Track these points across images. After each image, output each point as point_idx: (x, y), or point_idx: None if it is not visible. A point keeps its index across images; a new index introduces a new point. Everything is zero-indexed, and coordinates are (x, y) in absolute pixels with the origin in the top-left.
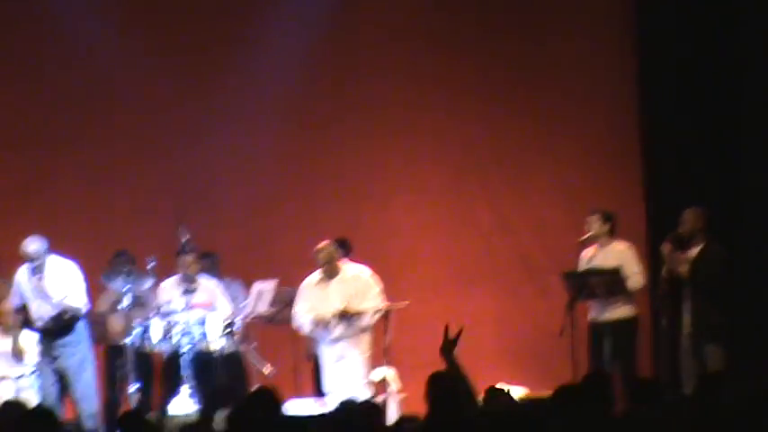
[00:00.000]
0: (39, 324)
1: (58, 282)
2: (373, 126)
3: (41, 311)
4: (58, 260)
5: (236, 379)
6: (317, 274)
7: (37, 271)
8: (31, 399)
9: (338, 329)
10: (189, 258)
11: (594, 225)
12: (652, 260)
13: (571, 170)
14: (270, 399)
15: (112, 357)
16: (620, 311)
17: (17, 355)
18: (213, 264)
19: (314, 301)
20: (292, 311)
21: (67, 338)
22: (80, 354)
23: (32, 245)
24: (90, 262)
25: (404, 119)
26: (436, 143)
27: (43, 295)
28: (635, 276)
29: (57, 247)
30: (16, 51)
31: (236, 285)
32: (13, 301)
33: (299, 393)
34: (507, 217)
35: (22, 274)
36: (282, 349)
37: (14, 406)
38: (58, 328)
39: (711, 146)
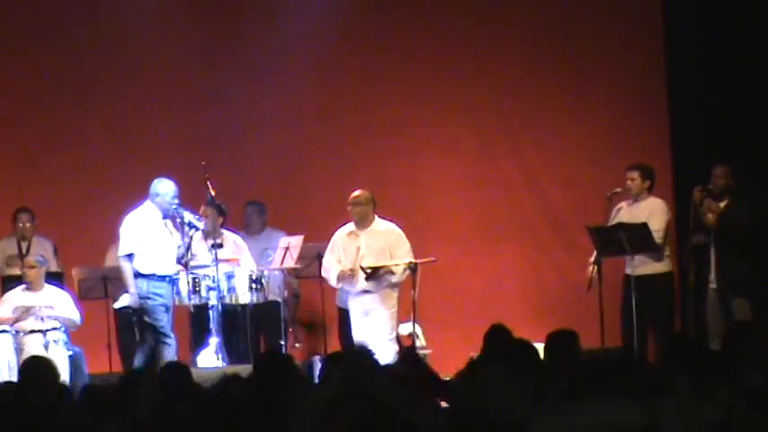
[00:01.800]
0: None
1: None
2: (402, 83)
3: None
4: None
5: (264, 332)
6: (348, 227)
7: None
8: (60, 352)
9: (365, 283)
10: (208, 210)
11: (635, 181)
12: (678, 215)
13: (598, 124)
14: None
15: (139, 311)
16: (655, 266)
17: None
18: (261, 211)
19: (343, 252)
20: (322, 264)
21: None
22: None
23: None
24: (119, 216)
25: (433, 76)
26: (464, 99)
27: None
28: (656, 234)
29: (86, 201)
30: (45, 11)
31: (279, 235)
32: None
33: (327, 349)
34: (534, 172)
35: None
36: (311, 304)
37: (40, 361)
38: None
39: (738, 101)
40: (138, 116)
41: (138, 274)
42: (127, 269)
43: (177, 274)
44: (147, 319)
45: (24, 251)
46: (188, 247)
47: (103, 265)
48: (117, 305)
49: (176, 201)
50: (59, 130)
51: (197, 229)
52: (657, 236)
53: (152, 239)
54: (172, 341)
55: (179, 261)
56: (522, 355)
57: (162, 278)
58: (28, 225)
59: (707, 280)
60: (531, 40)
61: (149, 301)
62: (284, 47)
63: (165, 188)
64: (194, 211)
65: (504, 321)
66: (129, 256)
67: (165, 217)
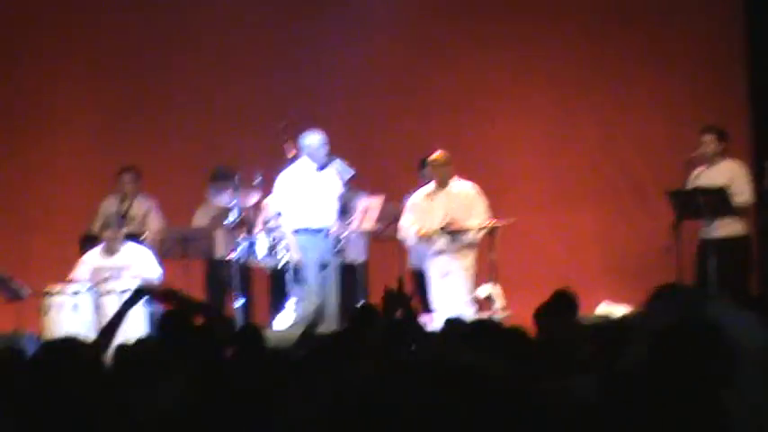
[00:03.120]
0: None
1: None
2: (480, 45)
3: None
4: None
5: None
6: (426, 188)
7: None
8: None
9: (442, 242)
10: None
11: (710, 144)
12: (756, 177)
13: (675, 85)
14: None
15: (217, 272)
16: (731, 229)
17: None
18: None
19: (421, 213)
20: (399, 223)
21: None
22: None
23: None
24: (198, 177)
25: (510, 37)
26: (541, 60)
27: None
28: (744, 195)
29: (166, 163)
30: None
31: (358, 196)
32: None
33: None
34: (611, 133)
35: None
36: (389, 265)
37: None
38: None
39: None
40: (219, 80)
41: (295, 230)
42: (282, 225)
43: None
44: (298, 272)
45: (125, 210)
46: (342, 197)
47: (191, 225)
48: (280, 264)
49: (325, 150)
50: (137, 90)
51: (349, 177)
52: (743, 198)
53: (305, 194)
54: (318, 298)
55: (341, 212)
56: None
57: (317, 232)
58: (130, 185)
59: None
60: (608, 4)
61: (302, 256)
62: (362, 9)
63: (311, 140)
64: (343, 160)
65: (582, 284)
66: (279, 215)
67: (320, 168)
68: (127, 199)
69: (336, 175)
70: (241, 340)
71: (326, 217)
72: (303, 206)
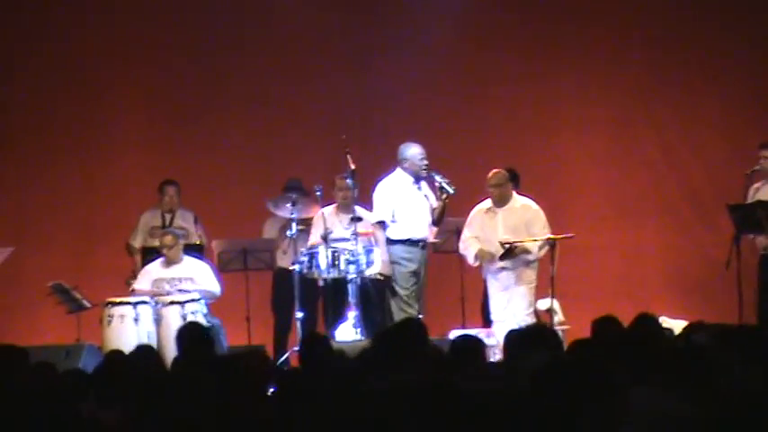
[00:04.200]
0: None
1: None
2: (542, 59)
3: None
4: None
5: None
6: (486, 203)
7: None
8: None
9: (504, 260)
10: (347, 182)
11: None
12: None
13: (736, 99)
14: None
15: (280, 283)
16: None
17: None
18: None
19: (482, 229)
20: (460, 239)
21: None
22: None
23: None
24: (260, 188)
25: (573, 52)
26: (603, 75)
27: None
28: None
29: (226, 174)
30: None
31: None
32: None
33: (465, 324)
34: (673, 148)
35: None
36: (449, 279)
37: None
38: None
39: None
40: (279, 89)
41: (390, 241)
42: (379, 236)
43: (428, 237)
44: (393, 285)
45: (168, 223)
46: (442, 211)
47: (261, 236)
48: (369, 272)
49: (425, 162)
50: (200, 101)
51: (449, 192)
52: None
53: (405, 205)
54: (412, 310)
55: (434, 224)
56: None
57: (415, 243)
58: (174, 197)
59: None
60: (669, 16)
61: (398, 267)
62: (423, 19)
63: (412, 152)
64: (444, 175)
65: (642, 298)
66: (382, 224)
67: (416, 182)
68: (170, 211)
69: (435, 191)
70: (308, 349)
71: (423, 228)
72: (402, 218)
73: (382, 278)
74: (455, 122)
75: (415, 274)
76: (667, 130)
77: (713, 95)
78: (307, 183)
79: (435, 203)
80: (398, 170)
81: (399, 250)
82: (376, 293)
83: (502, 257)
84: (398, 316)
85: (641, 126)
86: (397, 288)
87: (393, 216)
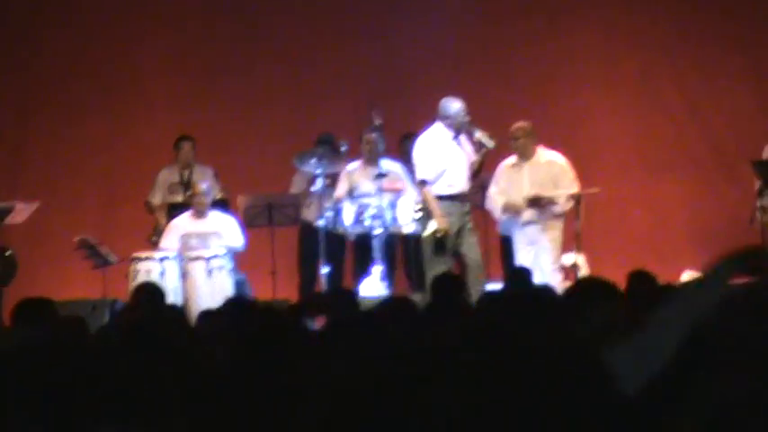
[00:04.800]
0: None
1: None
2: (565, 13)
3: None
4: None
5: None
6: (512, 158)
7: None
8: (224, 279)
9: (529, 214)
10: (374, 135)
11: None
12: None
13: (763, 52)
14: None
15: (305, 238)
16: None
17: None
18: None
19: (507, 183)
20: (486, 194)
21: None
22: None
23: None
24: (287, 143)
25: (596, 4)
26: (626, 27)
27: None
28: None
29: (255, 129)
30: None
31: None
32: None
33: (489, 277)
34: (697, 102)
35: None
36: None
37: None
38: None
39: None
40: (305, 45)
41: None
42: (426, 194)
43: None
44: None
45: (186, 179)
46: (480, 165)
47: (289, 190)
48: (425, 233)
49: (467, 118)
50: (228, 58)
51: (488, 146)
52: None
53: (445, 161)
54: (446, 266)
55: (471, 178)
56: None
57: (454, 198)
58: (190, 153)
59: None
60: None
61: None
62: None
63: (455, 107)
64: (483, 129)
65: (667, 252)
66: (425, 182)
67: (455, 137)
68: (186, 167)
69: (473, 145)
70: (334, 305)
71: (463, 183)
72: (442, 173)
73: (440, 234)
74: (479, 80)
75: (455, 229)
76: (691, 85)
77: (738, 50)
78: (335, 137)
79: (474, 157)
80: (437, 125)
81: (440, 206)
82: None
83: (529, 206)
84: (435, 271)
85: (665, 80)
86: (442, 243)
87: (435, 172)
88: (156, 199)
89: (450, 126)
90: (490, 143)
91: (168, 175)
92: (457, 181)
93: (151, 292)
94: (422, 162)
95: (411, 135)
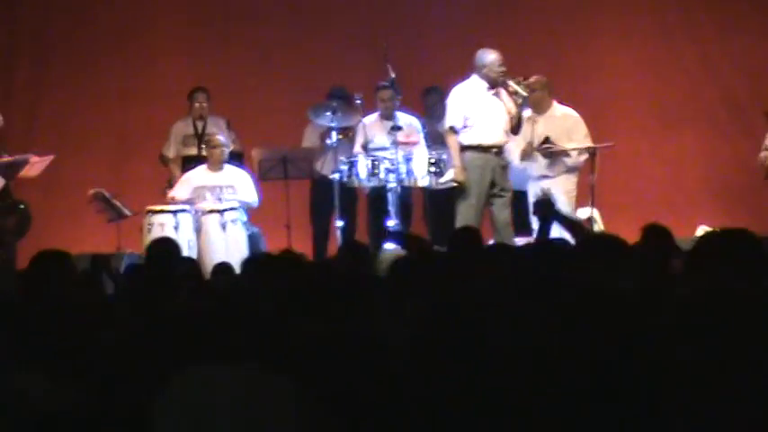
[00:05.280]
0: None
1: None
2: None
3: None
4: None
5: (443, 215)
6: (527, 111)
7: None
8: (238, 232)
9: (542, 166)
10: (389, 93)
11: None
12: None
13: None
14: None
15: (319, 191)
16: None
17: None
18: (441, 96)
19: (522, 137)
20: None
21: None
22: None
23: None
24: (301, 96)
25: None
26: None
27: None
28: None
29: (269, 82)
30: None
31: None
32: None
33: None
34: (712, 56)
35: None
36: None
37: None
38: None
39: None
40: None
41: (462, 147)
42: (451, 142)
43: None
44: (465, 191)
45: (201, 131)
46: (519, 117)
47: (301, 144)
48: (442, 180)
49: (503, 69)
50: (241, 8)
51: (523, 95)
52: None
53: (478, 111)
54: (477, 219)
55: (513, 132)
56: None
57: (487, 149)
58: (204, 105)
59: None
60: None
61: (469, 173)
62: None
63: (491, 58)
64: (516, 77)
65: (681, 206)
66: (453, 129)
67: (490, 88)
68: (201, 119)
69: (511, 97)
70: (348, 257)
71: (497, 135)
72: (475, 124)
73: (456, 184)
74: (493, 34)
75: (486, 180)
76: (707, 38)
77: (754, 4)
78: (347, 91)
79: (513, 111)
80: (474, 77)
81: (470, 156)
82: (445, 201)
83: (541, 151)
84: (463, 222)
85: (680, 33)
86: (468, 195)
87: (465, 122)
88: (171, 152)
89: (485, 77)
90: (524, 92)
91: (183, 128)
92: (489, 132)
93: (166, 247)
94: (452, 109)
95: (433, 88)
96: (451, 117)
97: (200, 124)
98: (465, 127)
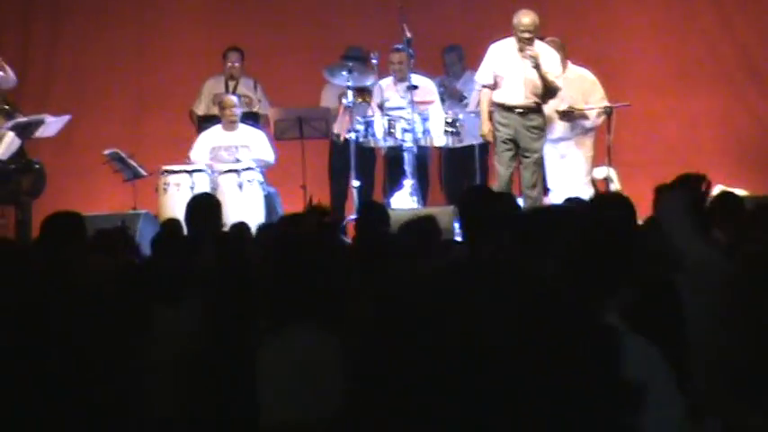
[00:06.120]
0: None
1: None
2: None
3: None
4: None
5: (460, 174)
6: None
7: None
8: (255, 192)
9: (561, 128)
10: (400, 55)
11: None
12: None
13: None
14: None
15: (336, 151)
16: None
17: None
18: (460, 55)
19: None
20: None
21: None
22: None
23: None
24: (318, 56)
25: None
26: None
27: None
28: None
29: (285, 42)
30: None
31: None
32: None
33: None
34: (730, 16)
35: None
36: None
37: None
38: None
39: None
40: None
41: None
42: (482, 97)
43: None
44: None
45: (232, 90)
46: (545, 82)
47: (319, 104)
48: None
49: (525, 35)
50: None
51: (534, 61)
52: None
53: (503, 70)
54: (506, 172)
55: (543, 99)
56: None
57: (509, 109)
58: (237, 65)
59: None
60: None
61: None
62: None
63: (515, 21)
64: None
65: (698, 167)
66: (483, 85)
67: (520, 49)
68: (232, 78)
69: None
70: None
71: (519, 95)
72: (500, 82)
73: (483, 138)
74: None
75: (510, 140)
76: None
77: None
78: (364, 51)
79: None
80: (510, 39)
81: (494, 115)
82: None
83: (560, 118)
84: (496, 177)
85: None
86: (496, 152)
87: (495, 79)
88: (200, 109)
89: (517, 38)
90: (532, 61)
91: (214, 85)
92: (511, 93)
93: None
94: (482, 66)
95: (452, 47)
96: (480, 73)
97: (231, 84)
98: (495, 84)
